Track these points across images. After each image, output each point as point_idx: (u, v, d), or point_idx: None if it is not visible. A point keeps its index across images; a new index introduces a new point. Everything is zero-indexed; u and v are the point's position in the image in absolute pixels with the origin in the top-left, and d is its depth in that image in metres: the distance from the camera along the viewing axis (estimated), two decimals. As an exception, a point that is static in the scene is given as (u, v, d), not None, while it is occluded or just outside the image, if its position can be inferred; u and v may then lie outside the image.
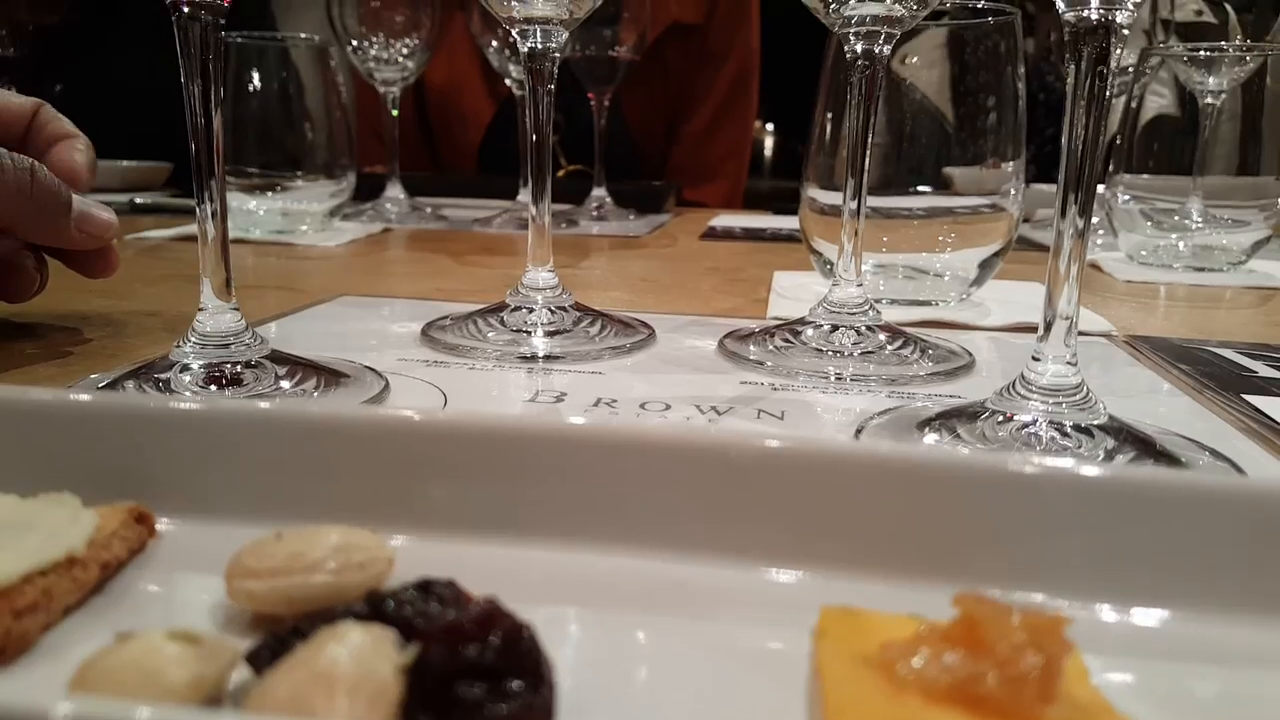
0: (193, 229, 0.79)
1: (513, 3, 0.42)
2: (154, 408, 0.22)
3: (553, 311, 0.47)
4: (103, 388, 0.32)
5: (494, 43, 0.91)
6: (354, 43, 0.91)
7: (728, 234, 0.96)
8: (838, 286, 0.45)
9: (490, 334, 0.45)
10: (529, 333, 0.45)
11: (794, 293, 0.61)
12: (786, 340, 0.45)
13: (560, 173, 1.32)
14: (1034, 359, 0.32)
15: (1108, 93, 0.31)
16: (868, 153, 0.44)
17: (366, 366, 0.38)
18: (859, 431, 0.33)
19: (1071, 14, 0.30)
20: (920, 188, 0.60)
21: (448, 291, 0.59)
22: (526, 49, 0.43)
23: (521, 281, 0.47)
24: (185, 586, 0.19)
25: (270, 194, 0.80)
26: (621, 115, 1.34)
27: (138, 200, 1.00)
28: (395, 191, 0.96)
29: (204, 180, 0.34)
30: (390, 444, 0.22)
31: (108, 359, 0.40)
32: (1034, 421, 0.31)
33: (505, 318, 0.46)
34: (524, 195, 0.98)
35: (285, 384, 0.33)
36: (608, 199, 1.04)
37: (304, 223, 0.81)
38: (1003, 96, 0.58)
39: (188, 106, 0.33)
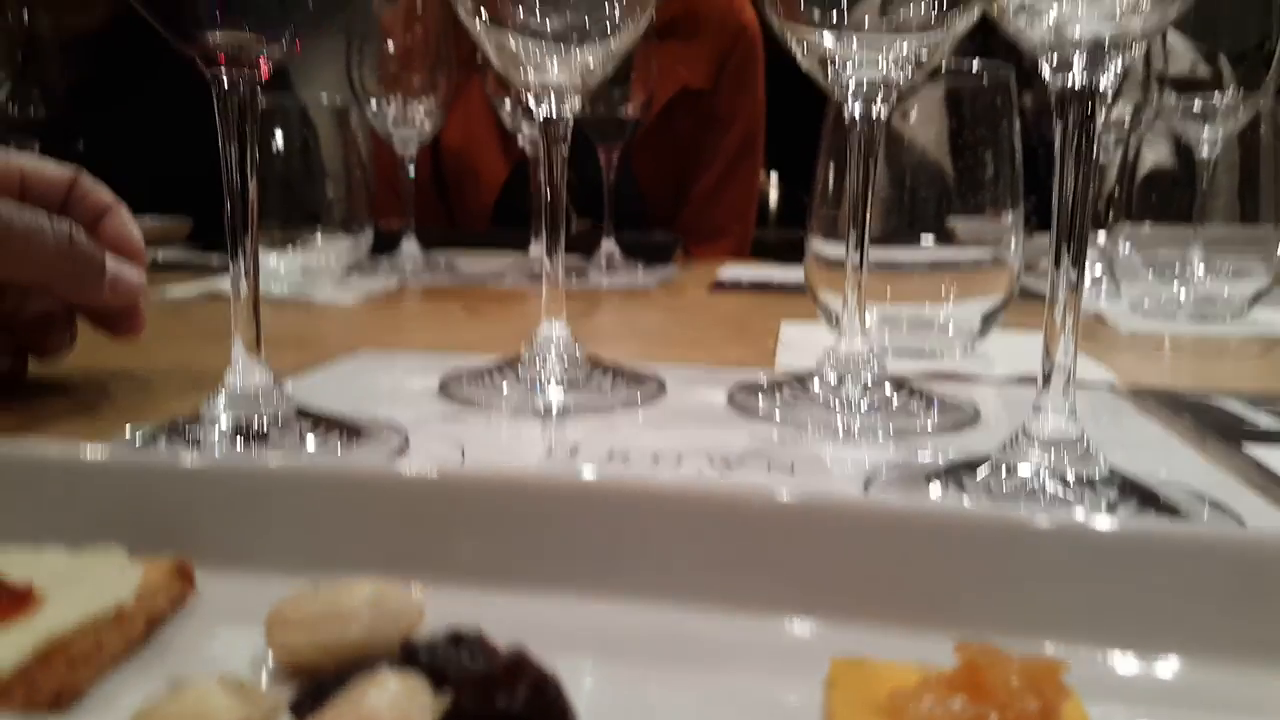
0: (215, 287, 0.81)
1: (527, 71, 0.44)
2: (194, 465, 0.23)
3: (566, 365, 0.48)
4: (135, 441, 0.34)
5: (508, 102, 0.94)
6: (373, 103, 0.94)
7: (735, 286, 0.98)
8: (843, 339, 0.46)
9: (505, 387, 0.46)
10: (543, 386, 0.46)
11: (801, 344, 0.63)
12: (795, 393, 0.46)
13: (572, 228, 1.35)
14: (1034, 410, 0.33)
15: (1095, 151, 0.32)
16: (869, 209, 0.46)
17: (386, 421, 0.39)
18: (868, 485, 0.34)
19: (1056, 80, 0.31)
20: (923, 239, 0.61)
21: (463, 345, 0.61)
22: (541, 116, 0.45)
23: (535, 335, 0.49)
24: (226, 638, 0.20)
25: (290, 250, 0.82)
26: (633, 176, 1.37)
27: (160, 257, 1.03)
28: (411, 246, 0.98)
29: (238, 239, 0.35)
30: (417, 498, 0.23)
31: (137, 414, 0.41)
32: (1036, 474, 0.31)
33: (520, 371, 0.48)
34: (535, 248, 1.00)
35: (310, 439, 0.34)
36: (617, 252, 1.06)
37: (322, 278, 0.83)
38: (999, 150, 0.60)
39: (224, 169, 0.35)
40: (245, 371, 0.35)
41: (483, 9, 0.43)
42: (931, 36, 0.41)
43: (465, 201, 1.44)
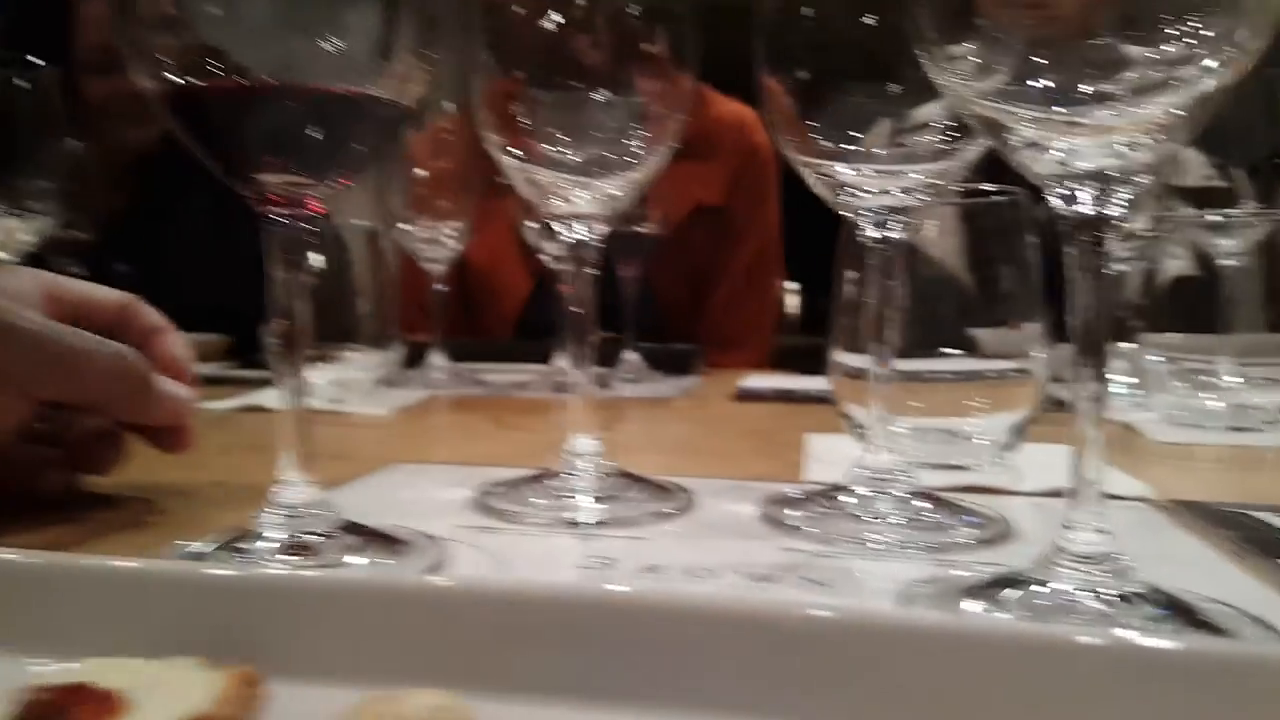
0: (253, 399, 0.83)
1: (556, 201, 0.47)
2: (259, 579, 0.24)
3: (597, 478, 0.49)
4: (189, 556, 0.35)
5: (531, 223, 0.99)
6: (402, 226, 1.00)
7: (758, 396, 1.00)
8: (871, 452, 0.48)
9: (538, 500, 0.48)
10: (574, 499, 0.47)
11: (828, 456, 0.64)
12: (825, 506, 0.47)
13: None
14: (1065, 527, 0.34)
15: (1109, 269, 0.34)
16: (891, 327, 0.48)
17: (425, 534, 0.40)
18: (903, 601, 0.35)
19: (1067, 211, 0.33)
20: (946, 350, 0.63)
21: (493, 457, 0.62)
22: (569, 242, 0.48)
23: (566, 448, 0.50)
24: (291, 748, 0.21)
25: (324, 364, 0.85)
26: (651, 290, 1.43)
27: (204, 373, 1.06)
28: (439, 359, 1.01)
29: (286, 359, 0.38)
30: (463, 612, 0.24)
31: (185, 528, 0.43)
32: (1072, 590, 0.32)
33: (551, 484, 0.49)
34: (558, 360, 1.03)
35: (353, 553, 0.36)
36: (639, 362, 1.09)
37: (355, 391, 0.86)
38: (1017, 264, 0.62)
39: (272, 294, 0.38)
40: (292, 487, 0.37)
41: (511, 145, 0.46)
42: (943, 164, 0.44)
43: (489, 315, 1.49)
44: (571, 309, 0.50)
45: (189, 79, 0.33)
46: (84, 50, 1.60)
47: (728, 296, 1.53)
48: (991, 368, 0.63)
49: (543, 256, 1.05)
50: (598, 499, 0.48)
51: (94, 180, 1.44)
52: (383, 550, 0.37)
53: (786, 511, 0.47)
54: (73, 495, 0.48)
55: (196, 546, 0.36)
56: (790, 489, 0.52)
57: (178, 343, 0.51)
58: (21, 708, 0.18)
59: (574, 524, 0.45)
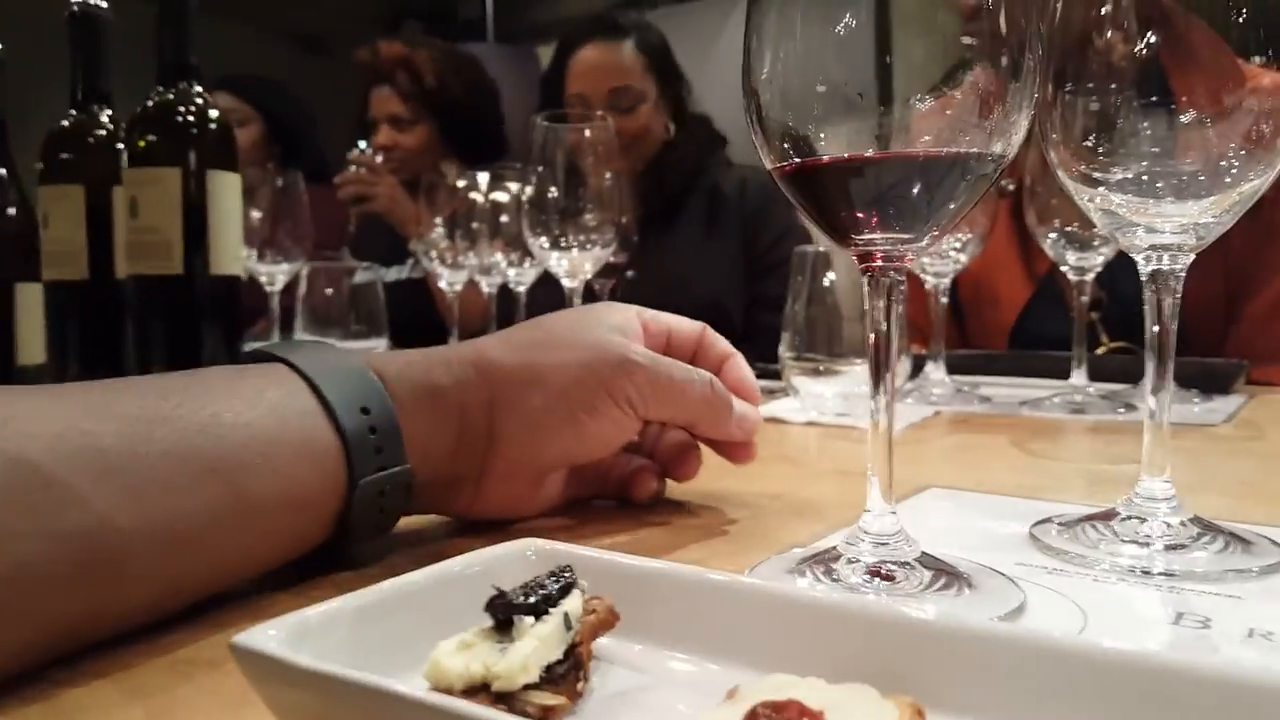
0: (772, 410, 0.91)
1: (1137, 233, 0.46)
2: (921, 618, 0.28)
3: (1170, 524, 0.47)
4: (786, 570, 0.41)
5: (1051, 234, 0.94)
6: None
7: (1342, 427, 0.84)
8: None
9: (1102, 544, 0.47)
10: (1149, 546, 0.46)
11: None
12: None
13: (1100, 350, 1.29)
14: None
15: None
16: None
17: (997, 572, 0.42)
18: None
19: None
20: None
21: (1027, 488, 0.62)
22: (1147, 272, 0.46)
23: (1136, 490, 0.48)
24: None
25: (830, 378, 0.91)
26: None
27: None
28: (938, 373, 1.02)
29: (879, 379, 0.42)
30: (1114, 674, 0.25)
31: (758, 539, 0.50)
32: None
33: (1116, 527, 0.48)
34: (1077, 377, 0.97)
35: (935, 587, 0.39)
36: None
37: (860, 405, 0.91)
38: None
39: (869, 320, 0.42)
40: (878, 515, 0.41)
41: (1084, 171, 0.46)
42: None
43: (981, 322, 1.45)
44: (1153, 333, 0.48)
45: (805, 159, 0.38)
46: (570, 96, 1.93)
47: (1272, 301, 1.31)
48: None
49: (1068, 270, 0.98)
50: (1171, 547, 0.45)
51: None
52: (963, 587, 0.40)
53: None
54: (658, 500, 0.58)
55: (786, 563, 0.42)
56: None
57: (744, 366, 0.59)
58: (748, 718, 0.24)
59: (1150, 574, 0.43)
